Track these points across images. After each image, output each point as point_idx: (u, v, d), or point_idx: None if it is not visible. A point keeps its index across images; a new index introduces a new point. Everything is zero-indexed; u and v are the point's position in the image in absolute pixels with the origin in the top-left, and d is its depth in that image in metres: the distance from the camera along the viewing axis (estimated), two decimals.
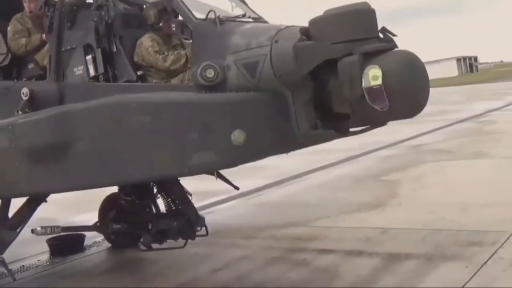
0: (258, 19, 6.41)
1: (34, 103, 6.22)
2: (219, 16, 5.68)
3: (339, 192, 11.14)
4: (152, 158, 5.40)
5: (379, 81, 5.51)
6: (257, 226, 9.04)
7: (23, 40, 6.76)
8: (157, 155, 5.38)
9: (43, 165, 5.82)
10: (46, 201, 7.00)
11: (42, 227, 6.90)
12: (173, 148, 5.32)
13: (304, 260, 7.12)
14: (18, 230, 6.84)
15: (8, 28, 6.87)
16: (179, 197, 7.26)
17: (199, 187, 12.92)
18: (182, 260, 7.72)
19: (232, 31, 5.56)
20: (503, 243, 6.84)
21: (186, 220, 7.13)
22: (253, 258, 7.41)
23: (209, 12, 5.65)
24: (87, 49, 6.23)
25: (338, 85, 5.11)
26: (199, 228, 7.25)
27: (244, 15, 6.33)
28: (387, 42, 5.27)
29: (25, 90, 6.22)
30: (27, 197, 6.85)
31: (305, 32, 5.34)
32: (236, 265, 7.22)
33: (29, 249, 8.94)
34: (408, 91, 5.37)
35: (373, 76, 5.42)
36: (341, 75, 5.02)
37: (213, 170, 6.41)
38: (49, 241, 8.79)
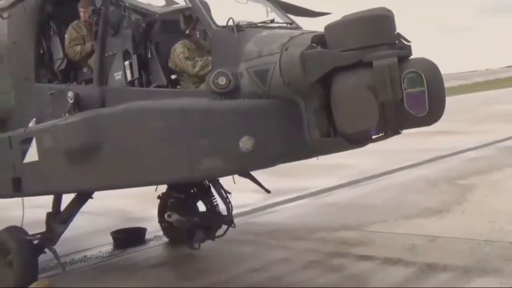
0: (287, 26, 6.44)
1: (79, 106, 6.68)
2: (238, 23, 5.79)
3: (408, 195, 10.89)
4: (166, 161, 5.64)
5: (422, 87, 5.44)
6: (311, 228, 9.07)
7: (78, 48, 7.16)
8: (170, 159, 5.62)
9: (76, 165, 6.26)
10: (92, 198, 7.43)
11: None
12: (185, 152, 5.52)
13: (340, 265, 7.10)
14: (66, 224, 7.31)
15: (66, 35, 7.32)
16: (218, 196, 7.40)
17: (272, 184, 13.22)
18: (226, 258, 7.99)
19: (248, 39, 5.65)
20: None
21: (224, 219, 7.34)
22: (292, 261, 7.49)
23: (229, 19, 5.77)
24: (125, 55, 6.56)
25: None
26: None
27: (272, 21, 6.39)
28: (401, 49, 5.15)
29: (70, 93, 6.70)
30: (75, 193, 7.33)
31: (319, 39, 5.33)
32: (273, 267, 7.32)
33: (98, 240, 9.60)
34: (442, 97, 5.32)
35: (415, 80, 5.35)
36: (376, 77, 4.95)
37: (222, 175, 6.54)
38: (113, 234, 9.33)
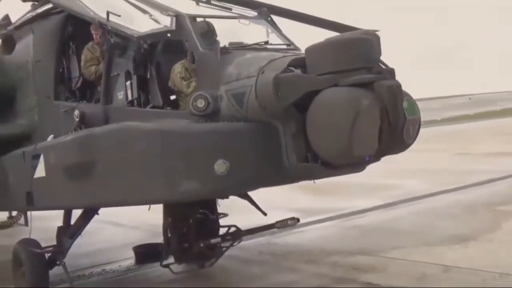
0: (283, 48, 6.39)
1: (85, 124, 6.87)
2: (225, 45, 5.82)
3: (440, 221, 10.54)
4: (147, 182, 5.71)
5: (418, 114, 5.43)
6: (328, 251, 8.93)
7: (93, 68, 7.33)
8: (151, 180, 5.68)
9: (72, 182, 6.44)
10: (97, 213, 7.59)
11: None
12: (164, 174, 5.57)
13: None
14: (74, 238, 7.50)
15: (82, 56, 7.53)
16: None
17: (306, 203, 13.11)
18: (233, 277, 8.03)
19: (230, 61, 5.67)
20: None
21: None
22: (297, 285, 7.38)
23: (216, 41, 5.81)
24: (127, 75, 6.71)
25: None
26: None
27: (266, 42, 6.38)
28: (377, 73, 5.05)
29: (76, 112, 6.92)
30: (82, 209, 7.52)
31: (299, 62, 5.29)
32: None
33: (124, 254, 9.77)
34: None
35: (410, 107, 5.30)
36: (384, 100, 5.03)
37: (199, 198, 6.52)
38: (134, 248, 9.47)
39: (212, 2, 7.20)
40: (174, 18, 6.10)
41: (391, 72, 5.46)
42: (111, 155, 6.00)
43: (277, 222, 7.58)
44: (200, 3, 7.17)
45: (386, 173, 17.34)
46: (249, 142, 5.43)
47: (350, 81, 4.90)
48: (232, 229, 7.80)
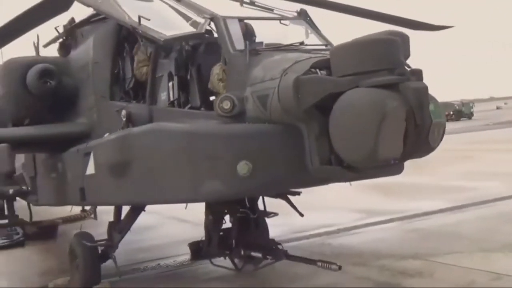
0: (319, 48, 6.33)
1: (132, 123, 7.12)
2: (254, 47, 5.86)
3: (505, 226, 10.07)
4: (174, 182, 5.85)
5: (443, 117, 5.32)
6: (379, 254, 8.78)
7: (144, 69, 7.55)
8: (177, 180, 5.82)
9: (114, 179, 6.71)
10: (144, 210, 7.83)
11: None
12: (189, 174, 5.70)
13: None
14: (123, 234, 7.80)
15: (135, 57, 7.80)
16: None
17: (372, 204, 12.91)
18: (278, 278, 8.04)
19: (258, 63, 5.70)
20: None
21: None
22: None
23: (246, 43, 5.86)
24: (170, 76, 6.90)
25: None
26: None
27: (301, 43, 6.36)
28: (400, 74, 4.92)
29: (123, 112, 7.18)
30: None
31: (324, 64, 5.26)
32: None
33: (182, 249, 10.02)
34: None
35: (436, 110, 5.19)
36: (411, 102, 4.94)
37: (222, 199, 6.56)
38: (190, 244, 9.71)
39: (256, 3, 7.24)
40: (208, 21, 6.21)
41: (418, 73, 5.31)
42: (145, 154, 6.21)
43: (319, 261, 7.28)
44: (244, 4, 7.25)
45: (462, 175, 16.85)
46: (271, 144, 5.46)
47: (372, 82, 4.79)
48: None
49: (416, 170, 18.97)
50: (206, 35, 6.33)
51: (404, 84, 4.88)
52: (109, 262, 7.92)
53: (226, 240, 7.92)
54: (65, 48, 9.30)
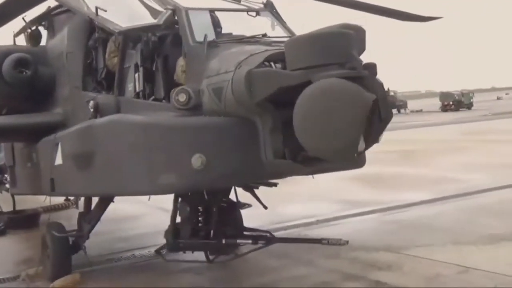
0: (279, 41, 6.29)
1: (100, 114, 7.11)
2: (213, 39, 5.83)
3: (483, 219, 10.06)
4: (132, 174, 5.85)
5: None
6: (354, 246, 8.64)
7: (115, 60, 7.54)
8: (134, 173, 5.82)
9: (78, 170, 6.72)
10: (113, 201, 7.84)
11: None
12: (145, 167, 5.69)
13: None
14: (92, 224, 7.81)
15: (107, 48, 7.77)
16: None
17: (355, 195, 12.89)
18: (249, 269, 8.11)
19: (215, 55, 5.67)
20: None
21: None
22: (306, 280, 7.33)
23: (206, 35, 5.83)
24: (136, 67, 6.88)
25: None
26: None
27: (264, 35, 6.31)
28: (352, 68, 4.88)
29: (91, 103, 7.17)
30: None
31: (280, 56, 5.23)
32: (283, 284, 7.21)
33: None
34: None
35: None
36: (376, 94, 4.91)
37: (179, 192, 6.55)
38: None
39: None
40: (169, 12, 6.17)
41: (371, 67, 5.27)
42: (105, 146, 6.22)
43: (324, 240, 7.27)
44: None
45: (451, 166, 16.81)
46: (225, 137, 5.45)
47: (324, 76, 4.72)
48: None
49: (407, 161, 19.13)
50: (164, 26, 6.26)
51: (371, 78, 4.87)
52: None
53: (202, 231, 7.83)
54: (34, 38, 9.24)
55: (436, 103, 67.40)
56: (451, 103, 62.08)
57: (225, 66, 5.43)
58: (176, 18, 6.21)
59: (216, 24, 6.54)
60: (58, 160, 7.39)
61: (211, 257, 7.70)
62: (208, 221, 7.60)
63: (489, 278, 6.82)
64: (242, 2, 7.07)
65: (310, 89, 4.77)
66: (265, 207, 8.29)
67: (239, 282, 7.54)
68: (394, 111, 62.30)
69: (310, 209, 11.81)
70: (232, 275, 7.90)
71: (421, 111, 64.26)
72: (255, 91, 5.02)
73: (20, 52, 9.07)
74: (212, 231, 7.65)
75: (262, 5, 6.97)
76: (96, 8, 6.41)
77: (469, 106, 63.74)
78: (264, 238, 7.53)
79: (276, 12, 6.91)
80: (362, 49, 5.43)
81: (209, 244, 7.44)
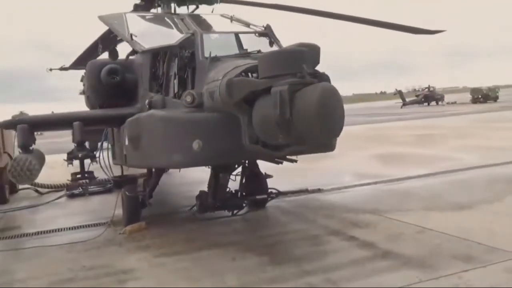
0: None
1: (152, 109, 7.44)
2: (215, 55, 5.97)
3: (460, 191, 9.60)
4: (157, 153, 6.13)
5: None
6: (349, 209, 8.68)
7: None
8: (158, 152, 6.09)
9: (133, 148, 7.05)
10: (166, 171, 8.15)
11: None
12: (164, 148, 5.94)
13: (322, 241, 6.87)
14: (151, 188, 8.17)
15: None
16: None
17: (373, 170, 12.58)
18: (262, 223, 8.18)
19: (214, 67, 5.82)
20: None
21: None
22: (303, 233, 7.30)
23: (210, 53, 5.98)
24: (174, 76, 7.14)
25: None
26: None
27: (258, 51, 6.36)
28: (301, 77, 4.87)
29: (147, 101, 7.51)
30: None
31: (255, 69, 5.30)
32: (280, 236, 7.23)
33: None
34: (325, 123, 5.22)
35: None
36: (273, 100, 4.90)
37: (184, 167, 6.72)
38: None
39: (242, 20, 7.30)
40: (189, 35, 6.36)
41: (322, 75, 5.21)
42: (144, 132, 6.53)
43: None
44: (234, 20, 7.34)
45: (457, 148, 15.96)
46: (216, 128, 5.61)
47: (281, 83, 4.77)
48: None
49: (422, 144, 18.32)
50: (179, 46, 6.47)
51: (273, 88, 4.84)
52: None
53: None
54: (114, 54, 9.69)
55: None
56: (479, 96, 58.33)
57: (217, 76, 5.60)
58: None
59: (240, 43, 6.63)
60: (127, 141, 7.81)
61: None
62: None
63: (437, 238, 6.61)
64: (251, 26, 7.15)
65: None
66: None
67: (253, 231, 7.62)
68: (433, 102, 60.30)
69: (329, 179, 11.69)
70: (249, 226, 8.02)
71: (455, 103, 60.71)
72: (233, 94, 5.15)
73: (113, 63, 9.57)
74: (238, 193, 7.90)
75: (263, 28, 7.01)
76: (131, 34, 6.68)
77: (495, 99, 59.55)
78: (274, 194, 7.84)
79: (273, 33, 6.93)
80: (316, 62, 5.38)
81: (233, 203, 7.70)
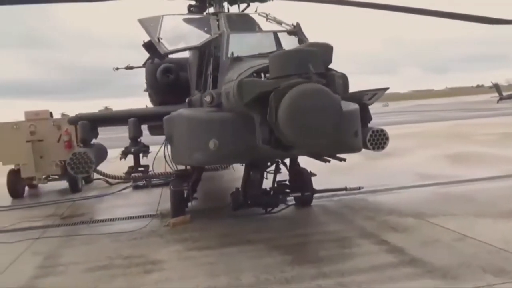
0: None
1: (191, 107, 7.67)
2: (238, 55, 6.00)
3: None
4: (184, 151, 6.28)
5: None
6: (392, 211, 8.32)
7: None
8: (184, 150, 6.24)
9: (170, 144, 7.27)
10: (204, 168, 8.32)
11: None
12: (187, 147, 6.09)
13: (350, 243, 6.65)
14: (193, 183, 8.41)
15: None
16: None
17: (432, 171, 11.91)
18: (299, 221, 8.08)
19: (233, 68, 5.86)
20: None
21: None
22: (335, 234, 7.13)
23: (232, 53, 6.03)
24: (209, 75, 7.29)
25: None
26: None
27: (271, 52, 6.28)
28: (306, 78, 4.77)
29: (187, 99, 7.76)
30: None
31: (267, 69, 5.29)
32: (314, 236, 7.13)
33: None
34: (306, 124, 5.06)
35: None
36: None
37: (202, 165, 6.75)
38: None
39: (276, 19, 7.28)
40: (216, 36, 6.47)
41: (330, 76, 5.04)
42: (174, 130, 6.74)
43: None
44: (269, 19, 7.34)
45: None
46: (230, 127, 5.64)
47: (285, 84, 4.75)
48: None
49: (499, 143, 16.91)
50: (202, 48, 6.58)
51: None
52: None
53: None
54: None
55: None
56: None
57: (233, 76, 5.64)
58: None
59: (279, 42, 6.64)
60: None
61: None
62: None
63: (475, 246, 6.13)
64: (283, 25, 7.10)
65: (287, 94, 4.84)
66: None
67: (287, 230, 7.53)
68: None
69: (389, 180, 11.25)
70: (285, 225, 7.91)
71: None
72: (243, 95, 5.17)
73: (169, 63, 10.00)
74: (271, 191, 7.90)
75: (293, 27, 6.93)
76: (158, 38, 6.91)
77: None
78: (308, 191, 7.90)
79: (302, 32, 6.82)
80: (328, 61, 5.22)
81: (267, 200, 7.72)
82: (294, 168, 8.40)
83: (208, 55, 7.45)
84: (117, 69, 13.28)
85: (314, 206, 9.05)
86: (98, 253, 7.04)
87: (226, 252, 6.64)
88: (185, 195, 8.65)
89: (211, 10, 9.50)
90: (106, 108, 23.36)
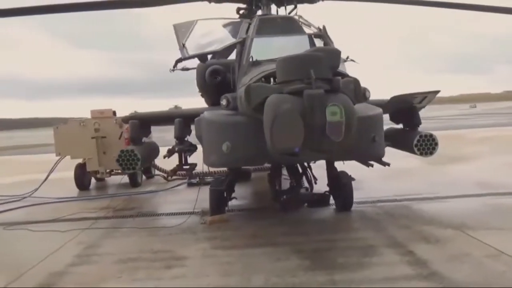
0: None
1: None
2: (256, 60, 5.97)
3: None
4: (204, 152, 6.36)
5: (342, 118, 4.88)
6: (431, 221, 7.86)
7: None
8: (205, 151, 6.31)
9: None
10: (239, 169, 8.37)
11: None
12: (207, 147, 6.16)
13: (376, 253, 6.36)
14: (230, 183, 8.50)
15: None
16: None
17: (494, 179, 11.08)
18: (331, 226, 7.88)
19: (249, 72, 5.84)
20: None
21: None
22: (362, 241, 6.89)
23: (251, 57, 6.02)
24: (237, 79, 7.33)
25: None
26: None
27: None
28: (307, 83, 4.68)
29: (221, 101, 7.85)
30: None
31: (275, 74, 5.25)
32: (345, 241, 6.95)
33: None
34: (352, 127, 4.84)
35: (333, 112, 4.84)
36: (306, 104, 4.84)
37: (219, 167, 6.63)
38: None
39: (307, 22, 7.17)
40: (241, 39, 6.50)
41: (335, 81, 4.86)
42: (201, 132, 6.84)
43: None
44: (301, 21, 7.25)
45: None
46: (243, 130, 5.64)
47: (287, 90, 4.71)
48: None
49: None
50: (221, 52, 6.60)
51: (306, 91, 4.62)
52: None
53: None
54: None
55: None
56: None
57: (247, 80, 5.64)
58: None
59: (275, 48, 6.60)
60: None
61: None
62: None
63: (508, 264, 5.63)
64: (311, 28, 6.98)
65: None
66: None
67: (315, 234, 7.37)
68: None
69: (438, 186, 10.66)
70: (315, 228, 7.72)
71: None
72: (251, 99, 5.16)
73: (217, 65, 10.20)
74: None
75: (318, 30, 6.78)
76: (182, 44, 7.04)
77: None
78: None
79: (327, 34, 6.65)
80: (335, 66, 5.05)
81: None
82: (332, 172, 8.23)
83: (238, 59, 7.52)
84: (174, 70, 13.71)
85: (354, 211, 8.81)
86: (132, 245, 7.35)
87: (248, 252, 6.65)
88: (224, 195, 8.77)
89: (259, 12, 9.55)
90: (176, 106, 24.28)
